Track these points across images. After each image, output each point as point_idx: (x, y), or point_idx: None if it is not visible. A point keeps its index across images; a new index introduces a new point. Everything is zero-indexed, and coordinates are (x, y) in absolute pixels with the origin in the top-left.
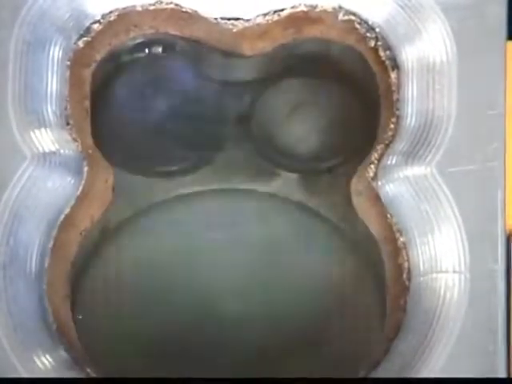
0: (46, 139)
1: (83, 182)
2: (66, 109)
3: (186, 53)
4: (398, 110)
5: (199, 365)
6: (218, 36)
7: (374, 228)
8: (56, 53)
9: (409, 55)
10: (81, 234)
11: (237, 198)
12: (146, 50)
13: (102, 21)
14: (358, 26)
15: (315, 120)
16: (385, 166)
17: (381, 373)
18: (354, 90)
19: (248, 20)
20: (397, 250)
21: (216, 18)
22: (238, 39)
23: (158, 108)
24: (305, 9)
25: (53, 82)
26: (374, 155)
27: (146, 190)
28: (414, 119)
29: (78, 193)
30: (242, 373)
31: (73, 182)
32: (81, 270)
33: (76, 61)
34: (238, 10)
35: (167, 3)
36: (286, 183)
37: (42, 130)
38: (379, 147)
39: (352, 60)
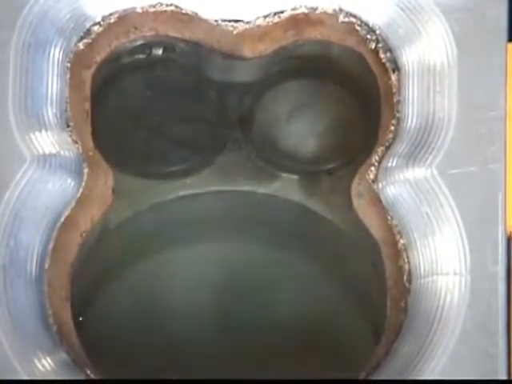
0: (46, 141)
1: (83, 183)
2: (66, 111)
3: (186, 54)
4: (398, 111)
5: (197, 366)
6: (218, 38)
7: (375, 230)
8: (56, 54)
9: (409, 57)
10: (81, 235)
11: (237, 199)
12: (146, 52)
13: (102, 23)
14: (358, 28)
15: (315, 122)
16: (385, 168)
17: (382, 375)
18: (354, 91)
19: (248, 22)
20: (397, 252)
21: (216, 20)
22: (238, 41)
23: (158, 110)
24: (305, 11)
25: (53, 84)
26: (375, 157)
27: (145, 192)
28: (414, 121)
29: (78, 194)
30: (240, 374)
31: (73, 183)
32: (81, 271)
33: (76, 62)
34: (239, 11)
35: (167, 5)
36: (285, 185)
37: (43, 131)
38: (380, 149)
39: (352, 62)
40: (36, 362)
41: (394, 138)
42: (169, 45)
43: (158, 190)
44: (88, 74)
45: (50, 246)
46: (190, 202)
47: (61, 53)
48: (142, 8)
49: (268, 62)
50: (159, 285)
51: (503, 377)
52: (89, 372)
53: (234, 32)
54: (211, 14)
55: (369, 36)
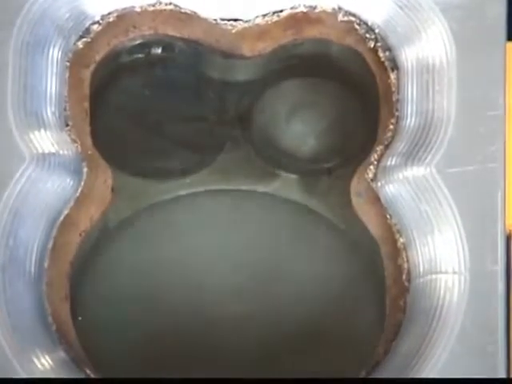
0: (45, 140)
1: (82, 182)
2: (65, 110)
3: (186, 53)
4: (397, 110)
5: (197, 365)
6: (217, 37)
7: (374, 229)
8: (55, 53)
9: (408, 56)
10: (80, 234)
11: (236, 198)
12: (145, 51)
13: (101, 22)
14: (357, 26)
15: (315, 121)
16: (384, 167)
17: (381, 373)
18: (353, 90)
19: (247, 21)
20: (396, 251)
21: (215, 19)
22: (237, 40)
23: (158, 109)
24: (304, 9)
25: (52, 83)
26: (374, 156)
27: (145, 191)
28: (413, 120)
29: (78, 194)
30: (241, 373)
31: (72, 182)
32: (80, 270)
33: (75, 61)
34: (238, 10)
35: (166, 4)
36: (285, 184)
37: (42, 131)
38: (379, 148)
39: (351, 61)
40: (35, 360)
41: (393, 137)
42: (168, 44)
43: (158, 190)
44: (87, 73)
45: (49, 246)
46: (190, 201)
47: (60, 52)
48: (141, 7)
49: (267, 60)
50: (159, 284)
51: (502, 375)
52: (88, 371)
53: (233, 31)
54: (210, 13)
55: (368, 35)
